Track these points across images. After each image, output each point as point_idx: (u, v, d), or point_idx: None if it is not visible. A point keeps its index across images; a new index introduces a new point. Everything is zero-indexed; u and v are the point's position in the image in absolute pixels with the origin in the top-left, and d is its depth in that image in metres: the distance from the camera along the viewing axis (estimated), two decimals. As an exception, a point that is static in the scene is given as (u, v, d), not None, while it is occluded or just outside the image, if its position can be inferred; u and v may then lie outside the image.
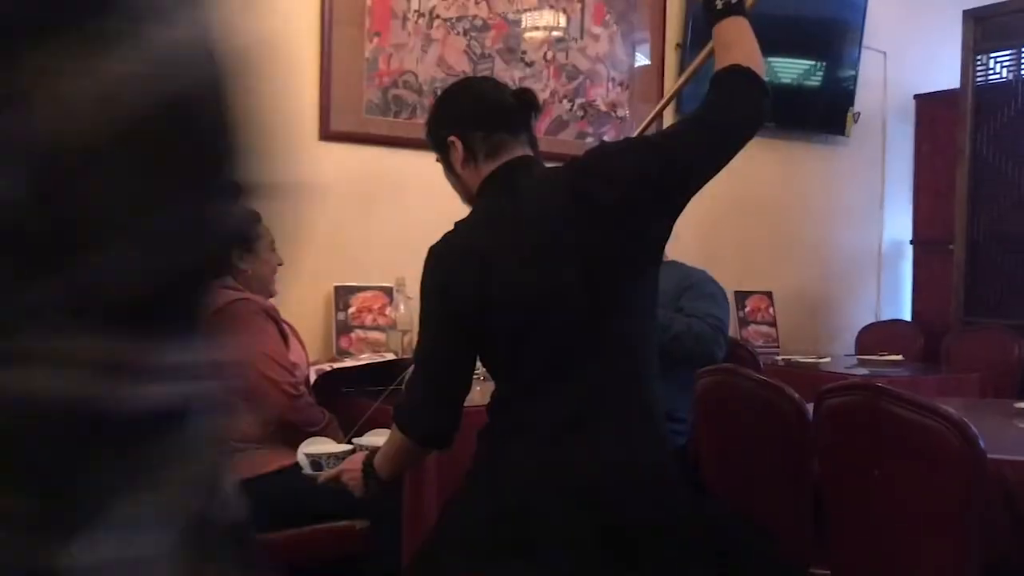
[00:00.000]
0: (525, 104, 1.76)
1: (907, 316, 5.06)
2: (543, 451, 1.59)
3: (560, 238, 1.60)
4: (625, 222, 1.60)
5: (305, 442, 2.23)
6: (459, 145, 1.72)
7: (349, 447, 2.16)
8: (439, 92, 3.52)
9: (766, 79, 1.71)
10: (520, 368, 1.64)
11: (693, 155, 1.62)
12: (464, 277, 1.62)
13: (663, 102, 2.31)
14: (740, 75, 1.63)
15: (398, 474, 1.90)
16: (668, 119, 4.20)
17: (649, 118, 2.32)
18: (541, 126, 3.70)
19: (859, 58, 4.76)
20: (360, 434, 2.27)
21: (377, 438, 2.12)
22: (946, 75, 4.83)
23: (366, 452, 1.92)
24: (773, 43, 4.55)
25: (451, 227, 1.73)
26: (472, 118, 1.74)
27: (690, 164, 1.62)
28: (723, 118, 1.64)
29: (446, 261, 1.67)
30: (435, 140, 1.79)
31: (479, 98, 1.78)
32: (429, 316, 1.69)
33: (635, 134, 2.23)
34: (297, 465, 2.14)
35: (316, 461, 2.11)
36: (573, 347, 1.60)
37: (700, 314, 2.85)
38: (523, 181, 1.69)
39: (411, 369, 1.80)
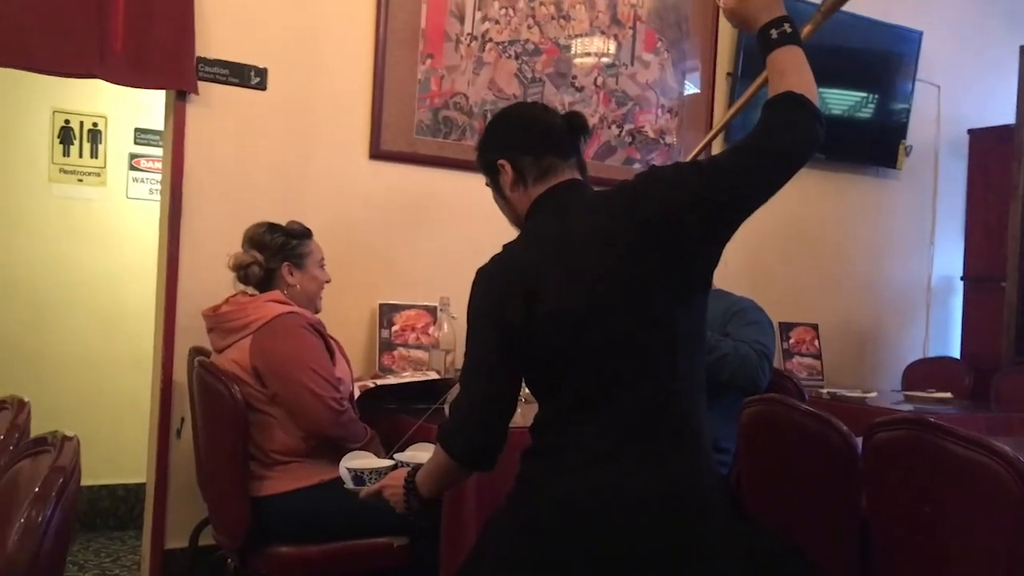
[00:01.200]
0: (575, 128, 1.76)
1: (956, 353, 4.97)
2: (585, 474, 1.58)
3: (609, 260, 1.59)
4: (674, 245, 1.58)
5: (347, 456, 2.23)
6: (509, 168, 1.73)
7: (391, 462, 2.15)
8: (489, 114, 3.61)
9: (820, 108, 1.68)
10: (565, 389, 1.62)
11: (743, 181, 1.59)
12: (512, 298, 1.61)
13: (714, 131, 2.29)
14: (793, 101, 1.61)
15: (439, 493, 1.89)
16: (716, 149, 4.19)
17: (699, 147, 2.31)
18: (589, 151, 3.71)
19: (912, 91, 4.71)
20: (402, 450, 2.26)
21: (419, 453, 2.12)
22: (1000, 110, 4.77)
23: (408, 468, 1.92)
24: (825, 74, 4.51)
25: (497, 248, 1.72)
26: (522, 142, 1.74)
27: (739, 190, 1.59)
28: (774, 144, 1.60)
29: (495, 281, 1.66)
30: (485, 163, 1.80)
31: (529, 122, 1.79)
32: (476, 336, 1.68)
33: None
34: (339, 479, 2.13)
35: (358, 475, 2.10)
36: (619, 370, 1.59)
37: (746, 340, 2.84)
38: (572, 203, 1.68)
39: (455, 388, 1.79)
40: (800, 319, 4.42)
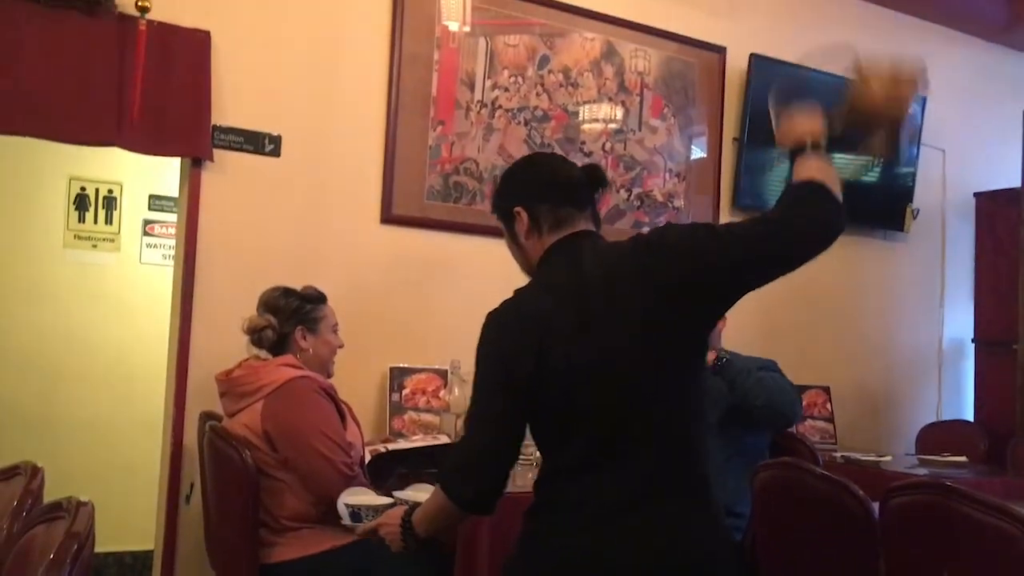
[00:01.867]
0: (594, 180, 1.78)
1: (969, 416, 4.92)
2: (589, 534, 1.56)
3: (621, 312, 1.59)
4: (683, 305, 1.59)
5: (346, 492, 2.20)
6: (525, 216, 1.74)
7: (389, 500, 2.12)
8: (498, 179, 3.65)
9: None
10: (570, 443, 1.61)
11: (755, 252, 1.61)
12: (522, 343, 1.60)
13: None
14: (816, 187, 1.64)
15: (436, 533, 1.85)
16: (724, 212, 4.23)
17: None
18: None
19: (918, 155, 4.76)
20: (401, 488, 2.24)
21: (418, 493, 2.09)
22: (1006, 173, 4.81)
23: (405, 507, 1.89)
24: (831, 139, 4.57)
25: None
26: (540, 191, 1.75)
27: (750, 260, 1.61)
28: (791, 222, 1.63)
29: (505, 326, 1.66)
30: (501, 210, 1.81)
31: (548, 172, 1.81)
32: (483, 380, 1.66)
33: None
34: (350, 546, 2.11)
35: (356, 512, 2.07)
36: (629, 424, 1.57)
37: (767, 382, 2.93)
38: (586, 253, 1.68)
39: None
40: (812, 382, 4.40)
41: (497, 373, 1.64)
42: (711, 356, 3.23)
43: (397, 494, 2.13)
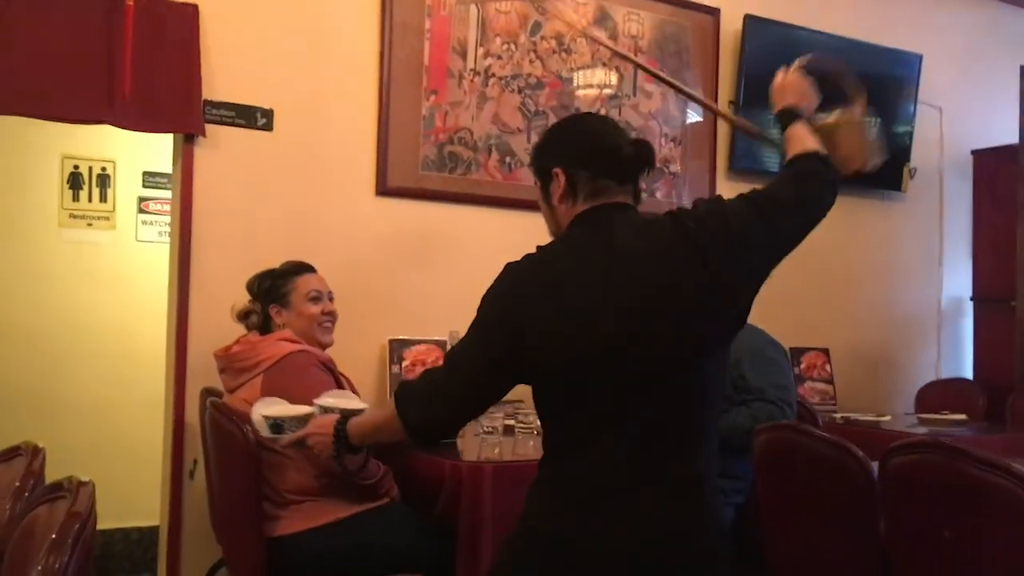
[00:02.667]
0: (641, 157, 1.67)
1: (968, 374, 4.94)
2: (587, 511, 1.53)
3: (653, 287, 1.53)
4: (722, 288, 1.55)
5: (259, 403, 2.16)
6: (563, 179, 1.65)
7: (310, 409, 2.04)
8: (494, 148, 3.63)
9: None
10: (573, 415, 1.56)
11: (789, 228, 1.67)
12: (536, 299, 1.54)
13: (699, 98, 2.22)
14: (822, 161, 1.74)
15: (370, 443, 1.83)
16: (720, 176, 4.20)
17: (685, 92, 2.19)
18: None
19: (915, 114, 4.73)
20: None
21: (339, 400, 2.04)
22: (1003, 130, 4.78)
23: (334, 414, 1.85)
24: (828, 98, 4.55)
25: None
26: (584, 156, 1.66)
27: (786, 236, 1.67)
28: (805, 197, 1.72)
29: (523, 278, 1.58)
30: (539, 167, 1.72)
31: (595, 138, 1.70)
32: (485, 328, 1.60)
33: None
34: (354, 517, 2.11)
35: (277, 423, 1.99)
36: (641, 400, 1.53)
37: (765, 387, 2.83)
38: (618, 224, 1.60)
39: (441, 362, 1.72)
40: (811, 344, 4.40)
41: (500, 320, 1.57)
42: None
43: (317, 401, 2.03)
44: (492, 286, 1.61)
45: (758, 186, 1.71)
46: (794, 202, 1.64)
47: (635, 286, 1.53)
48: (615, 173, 1.65)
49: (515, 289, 1.59)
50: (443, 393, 1.63)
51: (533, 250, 1.66)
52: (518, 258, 1.65)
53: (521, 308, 1.55)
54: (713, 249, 1.54)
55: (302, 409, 2.06)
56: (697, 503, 1.57)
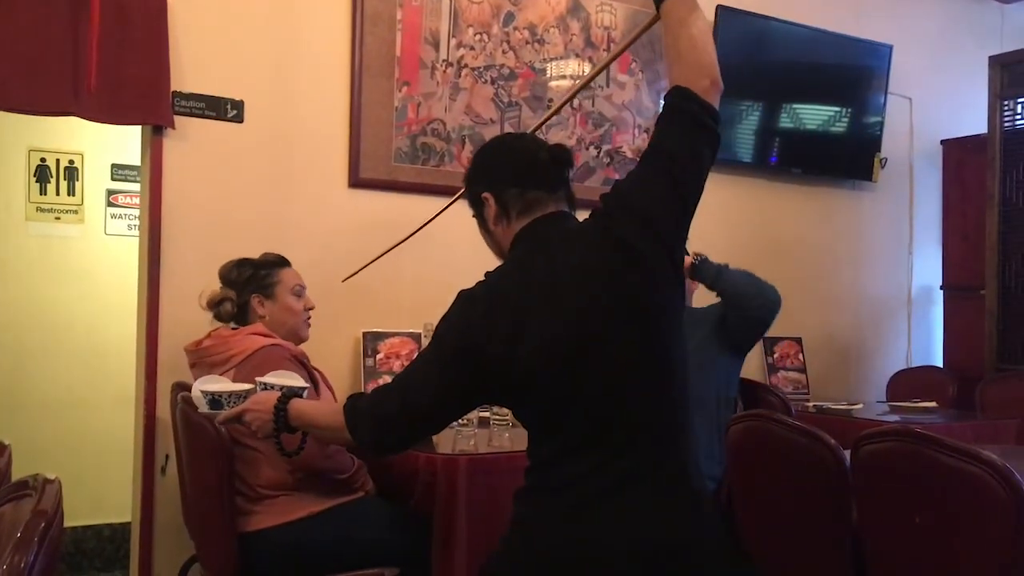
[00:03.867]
0: (558, 161, 1.71)
1: (939, 362, 5.00)
2: (580, 518, 1.53)
3: (596, 290, 1.55)
4: (652, 255, 1.55)
5: (201, 379, 2.13)
6: (492, 202, 1.69)
7: (250, 386, 2.02)
8: (467, 140, 3.62)
9: (723, 88, 1.62)
10: (552, 429, 1.57)
11: (691, 175, 1.59)
12: (495, 328, 1.55)
13: (596, 70, 2.16)
14: (689, 102, 1.58)
15: (308, 431, 1.84)
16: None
17: (588, 77, 2.14)
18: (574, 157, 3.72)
19: (885, 104, 4.77)
20: None
21: (282, 379, 2.02)
22: (972, 120, 4.83)
23: (274, 391, 1.83)
24: (799, 89, 4.58)
25: (479, 274, 1.69)
26: (506, 175, 1.70)
27: (692, 184, 1.60)
28: (687, 161, 1.60)
29: (478, 307, 1.59)
30: (470, 196, 1.77)
31: (513, 155, 1.75)
32: (440, 352, 1.61)
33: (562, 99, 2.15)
34: (327, 512, 2.10)
35: (215, 399, 1.96)
36: (606, 409, 1.54)
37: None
38: (554, 236, 1.63)
39: (396, 377, 1.71)
40: (783, 333, 4.43)
41: (458, 350, 1.58)
42: (687, 259, 3.30)
43: (260, 379, 2.02)
44: (449, 313, 1.63)
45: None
46: (690, 153, 1.59)
47: (580, 296, 1.55)
48: (540, 182, 1.68)
49: (469, 316, 1.59)
50: (396, 418, 1.64)
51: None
52: (491, 270, 1.67)
53: (476, 334, 1.56)
54: (634, 236, 1.55)
55: (242, 386, 2.04)
56: (687, 496, 1.57)
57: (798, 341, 4.52)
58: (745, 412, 2.58)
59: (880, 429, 2.13)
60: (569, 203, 1.72)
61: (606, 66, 2.40)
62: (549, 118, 2.26)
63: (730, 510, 2.60)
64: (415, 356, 1.72)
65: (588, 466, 1.54)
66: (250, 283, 2.69)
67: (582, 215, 1.67)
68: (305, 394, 1.89)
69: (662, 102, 1.65)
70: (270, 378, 2.01)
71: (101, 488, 4.06)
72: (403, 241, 2.84)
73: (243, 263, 2.74)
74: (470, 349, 1.57)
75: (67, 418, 4.16)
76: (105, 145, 4.34)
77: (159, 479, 3.07)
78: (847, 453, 2.16)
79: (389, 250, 2.89)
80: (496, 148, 1.82)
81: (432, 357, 1.63)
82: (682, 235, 1.61)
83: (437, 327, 1.64)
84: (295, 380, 2.05)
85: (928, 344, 5.14)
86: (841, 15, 4.66)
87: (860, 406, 3.99)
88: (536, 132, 2.14)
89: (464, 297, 1.63)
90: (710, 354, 3.24)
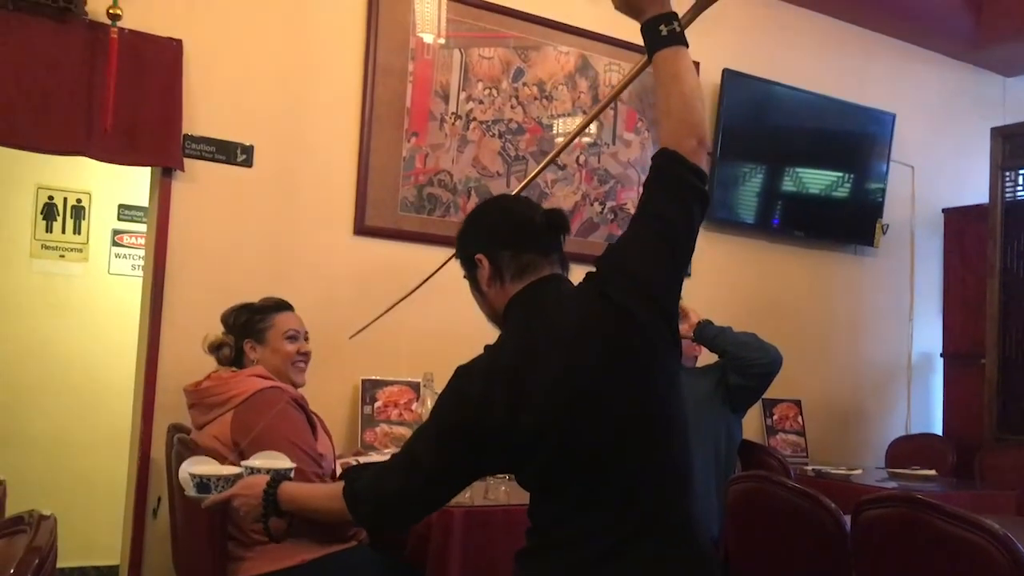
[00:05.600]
0: (554, 225, 1.71)
1: (938, 430, 4.97)
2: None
3: (593, 357, 1.54)
4: (649, 318, 1.55)
5: (188, 461, 2.11)
6: (486, 263, 1.68)
7: (238, 470, 2.00)
8: (473, 192, 3.64)
9: (709, 146, 1.61)
10: (554, 492, 1.57)
11: (682, 236, 1.59)
12: (493, 406, 1.54)
13: (591, 115, 2.19)
14: (672, 161, 1.58)
15: (300, 515, 1.81)
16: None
17: (569, 138, 2.15)
18: (571, 228, 3.74)
19: (887, 171, 4.81)
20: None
21: (268, 461, 2.00)
22: (974, 190, 4.88)
23: (263, 475, 1.80)
24: (802, 153, 4.63)
25: (480, 324, 1.70)
26: (500, 237, 1.70)
27: (683, 245, 1.59)
28: (677, 219, 1.59)
29: (475, 386, 1.58)
30: (463, 257, 1.75)
31: (507, 217, 1.74)
32: (439, 425, 1.61)
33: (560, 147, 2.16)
34: (323, 559, 2.08)
35: (203, 482, 1.94)
36: (607, 465, 1.53)
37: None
38: (549, 302, 1.63)
39: (394, 458, 1.70)
40: (783, 395, 4.42)
41: (458, 422, 1.58)
42: (691, 322, 3.30)
43: (245, 462, 2.01)
44: (448, 391, 1.62)
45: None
46: (680, 214, 1.58)
47: (577, 360, 1.54)
48: (534, 246, 1.69)
49: (466, 393, 1.59)
50: (397, 500, 1.64)
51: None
52: (489, 344, 1.66)
53: (474, 411, 1.56)
54: (628, 298, 1.54)
55: (230, 469, 2.03)
56: (692, 552, 1.56)
57: (797, 404, 4.50)
58: (745, 472, 2.56)
59: (881, 494, 2.11)
60: (562, 265, 1.72)
61: (603, 108, 2.45)
62: (547, 165, 2.27)
63: (727, 570, 2.57)
64: (415, 432, 1.71)
65: (592, 526, 1.53)
66: (244, 328, 2.70)
67: (585, 269, 1.67)
68: (292, 475, 1.88)
69: (650, 163, 1.65)
70: (255, 461, 2.01)
71: (90, 529, 4.01)
72: (405, 298, 2.85)
73: (242, 308, 2.74)
74: (468, 427, 1.57)
75: (59, 456, 4.13)
76: (113, 185, 4.38)
77: (150, 522, 3.03)
78: (847, 518, 2.14)
79: (392, 307, 2.89)
80: (491, 210, 1.82)
81: (431, 437, 1.62)
82: (675, 295, 1.61)
83: (435, 406, 1.64)
84: (282, 461, 2.04)
85: (928, 411, 5.12)
86: (845, 82, 4.73)
87: (859, 471, 3.96)
88: (537, 181, 2.14)
89: (461, 373, 1.62)
90: (710, 412, 3.23)
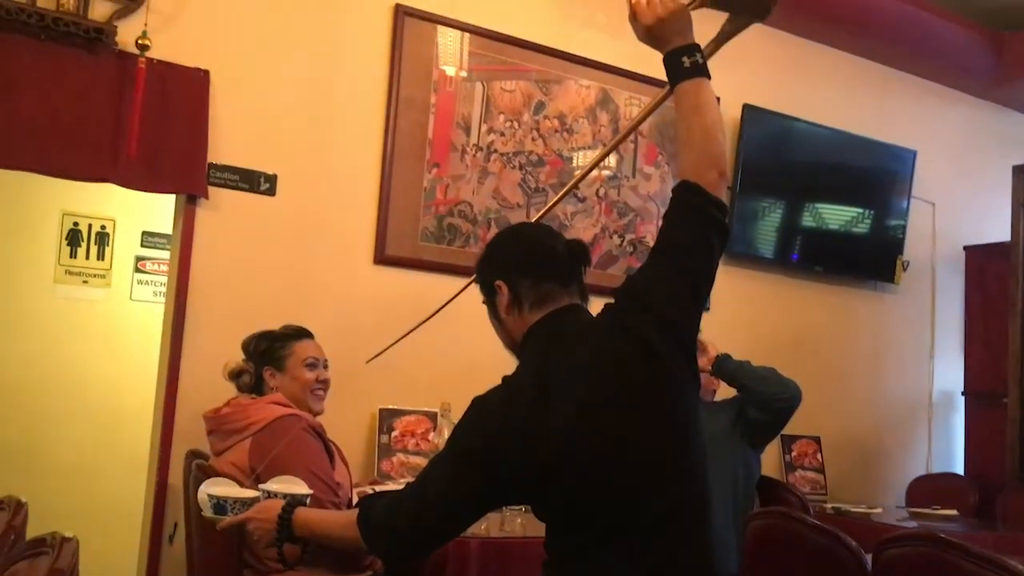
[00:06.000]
0: (575, 256, 1.70)
1: (959, 469, 4.91)
2: None
3: (611, 382, 1.54)
4: (669, 342, 1.55)
5: (208, 482, 2.10)
6: (506, 290, 1.68)
7: (256, 493, 1.99)
8: (493, 223, 3.66)
9: (729, 179, 1.61)
10: (571, 530, 1.56)
11: (702, 268, 1.60)
12: (511, 437, 1.53)
13: (614, 142, 2.20)
14: (694, 194, 1.59)
15: (315, 540, 1.80)
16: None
17: (599, 156, 2.17)
18: (590, 253, 3.75)
19: (908, 208, 4.80)
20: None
21: (285, 486, 1.99)
22: (995, 228, 4.85)
23: (279, 500, 1.79)
24: (822, 189, 4.63)
25: (499, 354, 1.69)
26: (521, 265, 1.69)
27: (703, 277, 1.61)
28: (698, 244, 1.60)
29: (493, 417, 1.57)
30: (482, 283, 1.74)
31: (529, 245, 1.74)
32: (453, 459, 1.60)
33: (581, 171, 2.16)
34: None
35: (220, 504, 1.92)
36: (630, 498, 1.52)
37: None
38: (568, 332, 1.62)
39: (409, 487, 1.68)
40: (802, 432, 4.38)
41: (474, 453, 1.57)
42: (710, 356, 3.28)
43: (263, 486, 2.00)
44: (465, 422, 1.61)
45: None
46: (700, 247, 1.59)
47: (597, 392, 1.54)
48: (555, 276, 1.68)
49: (483, 423, 1.58)
50: (412, 530, 1.63)
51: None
52: (508, 375, 1.65)
53: (491, 442, 1.56)
54: (647, 330, 1.54)
55: (249, 492, 2.03)
56: None
57: (816, 440, 4.46)
58: (765, 508, 2.54)
59: (903, 533, 2.09)
60: (582, 296, 1.71)
61: (624, 137, 2.46)
62: (566, 194, 2.27)
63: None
64: (430, 461, 1.70)
65: (611, 559, 1.51)
66: (264, 356, 2.71)
67: (604, 301, 1.66)
68: (308, 501, 1.88)
69: (670, 194, 1.65)
70: (272, 485, 2.01)
71: (106, 554, 3.99)
72: (424, 322, 2.85)
73: (262, 336, 2.76)
74: (485, 457, 1.56)
75: (77, 480, 4.14)
76: (137, 212, 4.42)
77: (166, 548, 3.03)
78: (868, 557, 2.12)
79: (410, 332, 2.90)
80: (512, 237, 1.83)
81: (446, 467, 1.62)
82: (694, 327, 1.61)
83: (452, 435, 1.63)
84: (299, 487, 2.04)
85: (949, 450, 5.06)
86: (865, 119, 4.73)
87: (879, 510, 3.92)
88: (556, 213, 2.15)
89: (478, 404, 1.62)
90: (728, 447, 3.21)
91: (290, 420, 2.54)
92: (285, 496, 1.85)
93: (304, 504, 1.81)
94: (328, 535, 1.78)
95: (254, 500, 1.95)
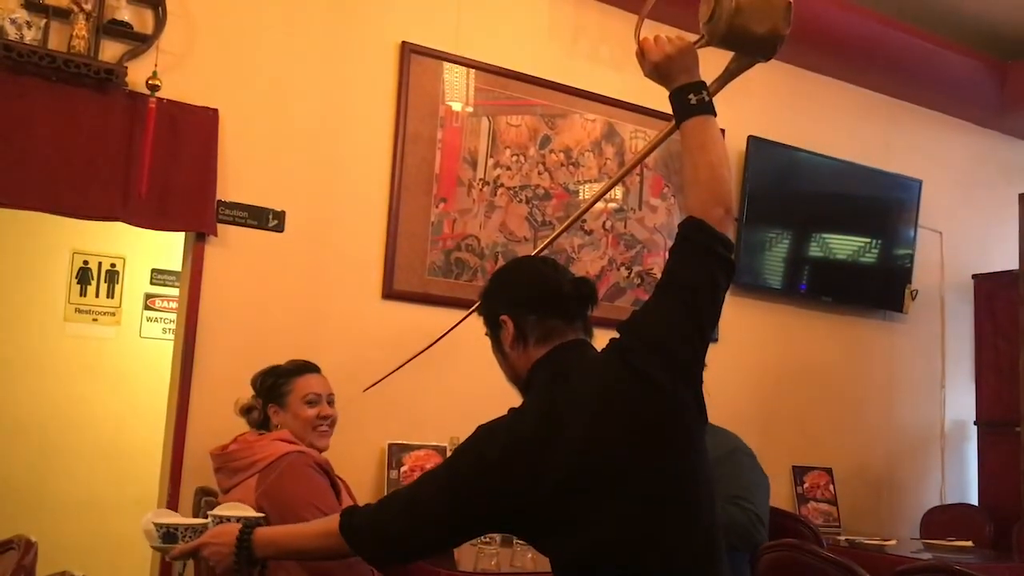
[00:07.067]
0: (582, 295, 1.69)
1: (973, 499, 4.86)
2: None
3: (616, 419, 1.53)
4: (675, 379, 1.54)
5: (151, 513, 2.03)
6: (511, 325, 1.67)
7: (206, 520, 1.94)
8: (500, 256, 3.68)
9: (735, 215, 1.62)
10: (581, 559, 1.54)
11: (708, 307, 1.60)
12: (512, 467, 1.53)
13: (621, 173, 2.21)
14: (698, 230, 1.60)
15: (281, 557, 1.77)
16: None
17: (603, 188, 2.17)
18: (598, 292, 3.75)
19: (915, 237, 4.80)
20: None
21: (237, 511, 1.96)
22: (1003, 256, 4.85)
23: (234, 524, 1.76)
24: (829, 219, 4.64)
25: (507, 390, 1.68)
26: (527, 300, 1.69)
27: (708, 313, 1.60)
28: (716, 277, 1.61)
29: (496, 445, 1.56)
30: (487, 316, 1.74)
31: (536, 281, 1.73)
32: (452, 479, 1.59)
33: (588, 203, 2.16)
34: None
35: (170, 532, 1.86)
36: (638, 535, 1.51)
37: (737, 496, 2.75)
38: (573, 369, 1.61)
39: (398, 495, 1.68)
40: (814, 463, 4.36)
41: (472, 481, 1.56)
42: None
43: (212, 512, 1.96)
44: (468, 445, 1.60)
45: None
46: (706, 283, 1.59)
47: (602, 429, 1.53)
48: (560, 313, 1.67)
49: (487, 451, 1.57)
50: (401, 539, 1.62)
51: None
52: (514, 407, 1.64)
53: (493, 471, 1.54)
54: (653, 368, 1.54)
55: (198, 520, 1.99)
56: None
57: (828, 472, 4.43)
58: (776, 541, 2.51)
59: (918, 565, 2.07)
60: (586, 331, 1.71)
61: (629, 171, 2.48)
62: (571, 225, 2.29)
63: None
64: (424, 474, 1.69)
65: None
66: (269, 392, 2.71)
67: (611, 334, 1.66)
68: (263, 523, 1.85)
69: (677, 230, 1.66)
70: (223, 510, 1.97)
71: (114, 594, 3.99)
72: (426, 349, 2.85)
73: (268, 372, 2.76)
74: (482, 487, 1.55)
75: (87, 518, 4.14)
76: (146, 250, 4.45)
77: (175, 586, 3.02)
78: (882, 589, 2.09)
79: (412, 359, 2.90)
80: (519, 272, 1.82)
81: (442, 485, 1.60)
82: (700, 363, 1.60)
83: (452, 456, 1.63)
84: (247, 511, 2.01)
85: (963, 480, 5.02)
86: (870, 149, 4.75)
87: (893, 542, 3.87)
88: (563, 246, 2.16)
89: (483, 432, 1.61)
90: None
91: (296, 457, 2.53)
92: (239, 520, 1.81)
93: (261, 525, 1.78)
94: (300, 548, 1.76)
95: (204, 527, 1.90)
